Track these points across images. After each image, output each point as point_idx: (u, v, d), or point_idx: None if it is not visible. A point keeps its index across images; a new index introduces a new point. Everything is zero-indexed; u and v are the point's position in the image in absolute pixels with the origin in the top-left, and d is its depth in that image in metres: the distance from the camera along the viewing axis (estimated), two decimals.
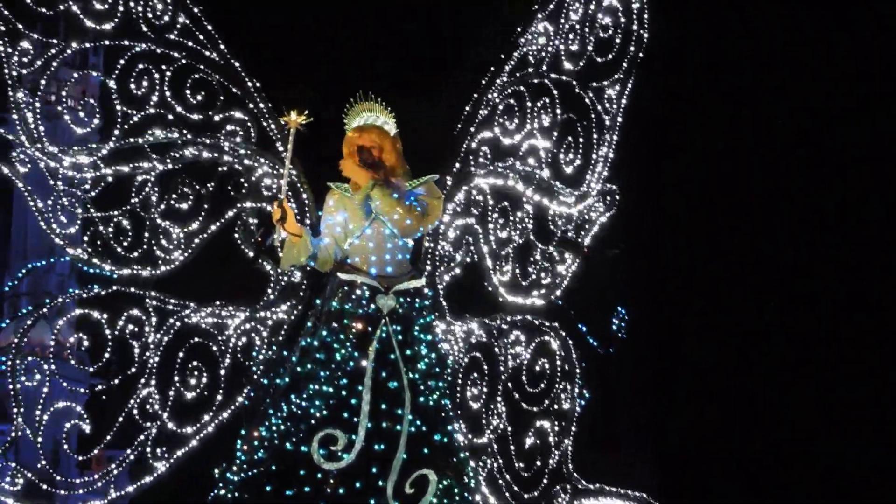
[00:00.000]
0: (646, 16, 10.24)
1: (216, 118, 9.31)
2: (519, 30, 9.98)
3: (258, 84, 9.29)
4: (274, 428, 8.43)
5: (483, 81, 9.84)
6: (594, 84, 10.26)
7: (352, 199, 8.67)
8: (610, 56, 10.29)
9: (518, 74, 10.00)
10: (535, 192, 9.97)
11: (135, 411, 9.33)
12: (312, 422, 8.38)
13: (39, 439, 9.24)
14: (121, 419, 9.33)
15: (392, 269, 8.66)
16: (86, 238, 9.27)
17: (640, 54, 10.29)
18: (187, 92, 9.24)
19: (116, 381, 9.36)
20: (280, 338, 9.36)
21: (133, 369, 9.34)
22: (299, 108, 8.39)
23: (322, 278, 8.81)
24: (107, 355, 9.34)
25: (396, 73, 9.55)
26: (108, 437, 9.35)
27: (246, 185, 9.35)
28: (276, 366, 8.81)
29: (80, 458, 9.47)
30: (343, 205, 8.72)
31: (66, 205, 9.27)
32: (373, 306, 8.56)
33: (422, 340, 8.63)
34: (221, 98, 9.28)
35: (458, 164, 9.69)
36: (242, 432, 8.78)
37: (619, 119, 10.25)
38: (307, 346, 8.60)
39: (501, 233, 9.94)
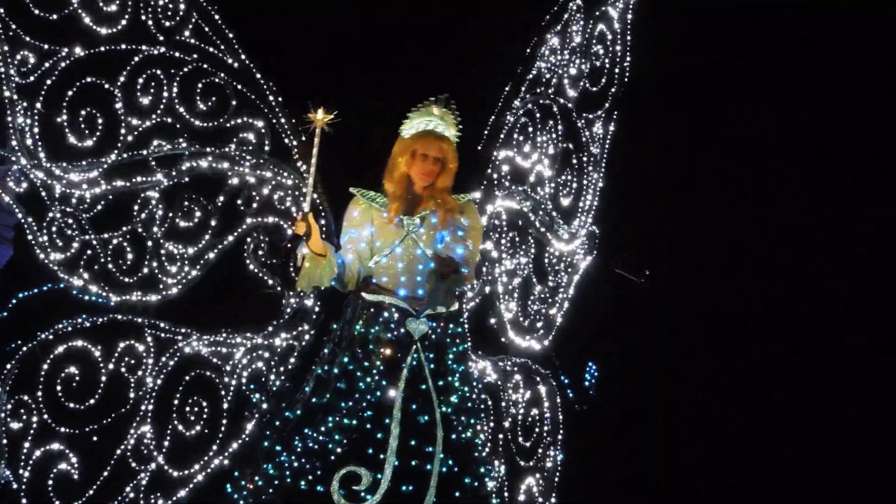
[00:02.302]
0: (628, 51, 8.85)
1: (228, 125, 7.84)
2: (534, 41, 8.56)
3: (273, 86, 7.83)
4: (286, 465, 6.90)
5: (504, 93, 8.44)
6: (586, 115, 8.85)
7: (380, 210, 7.21)
8: (598, 88, 8.90)
9: (533, 92, 8.58)
10: (541, 224, 8.49)
11: (128, 454, 7.79)
12: (332, 458, 6.92)
13: (23, 486, 7.71)
14: (113, 462, 7.78)
15: (423, 292, 7.17)
16: (83, 263, 7.77)
17: (622, 90, 8.86)
18: (197, 98, 7.80)
19: (109, 420, 7.80)
20: (290, 366, 7.78)
21: (128, 406, 7.80)
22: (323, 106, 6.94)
23: (339, 300, 7.32)
24: (100, 391, 7.78)
25: (410, 79, 7.89)
26: (98, 483, 7.77)
27: (257, 198, 7.85)
28: (287, 397, 7.30)
29: None
30: (370, 217, 7.28)
31: (62, 227, 7.78)
32: (403, 330, 7.10)
33: (455, 371, 7.18)
34: (234, 103, 7.81)
35: (485, 181, 8.26)
36: (236, 474, 7.34)
37: (605, 157, 8.86)
38: (324, 374, 7.14)
39: (510, 264, 8.45)
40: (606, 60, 8.97)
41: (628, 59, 8.96)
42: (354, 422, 6.91)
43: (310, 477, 6.84)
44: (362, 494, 6.81)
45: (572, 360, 8.39)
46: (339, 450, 6.86)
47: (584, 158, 8.91)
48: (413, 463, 6.89)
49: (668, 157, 9.44)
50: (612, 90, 9.00)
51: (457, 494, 6.99)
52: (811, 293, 9.04)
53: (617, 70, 8.97)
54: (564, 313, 8.79)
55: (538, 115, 8.71)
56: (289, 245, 6.92)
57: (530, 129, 8.65)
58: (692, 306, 9.03)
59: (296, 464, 6.91)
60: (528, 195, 8.61)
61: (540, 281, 8.73)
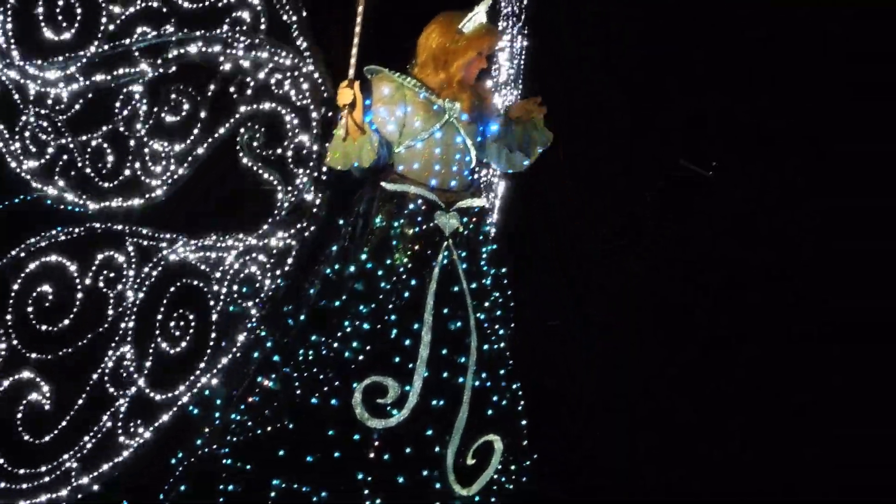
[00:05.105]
0: None
1: (219, 5, 6.16)
2: None
3: None
4: (291, 378, 5.27)
5: None
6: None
7: (413, 90, 5.55)
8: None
9: None
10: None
11: (106, 378, 6.14)
12: (352, 367, 5.28)
13: None
14: (88, 389, 6.15)
15: (456, 184, 5.59)
16: (58, 169, 6.20)
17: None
18: None
19: (85, 342, 6.17)
20: (288, 268, 6.01)
21: (106, 325, 6.18)
22: None
23: (346, 192, 5.71)
24: (76, 310, 6.18)
25: None
26: (72, 413, 6.15)
27: (252, 84, 6.12)
28: (286, 302, 5.65)
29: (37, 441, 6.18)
30: (403, 96, 5.56)
31: (36, 131, 6.20)
32: (431, 224, 5.47)
33: (488, 273, 5.62)
34: None
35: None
36: (206, 393, 5.86)
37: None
38: (334, 275, 5.48)
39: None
40: None
41: None
42: (378, 327, 5.32)
43: (325, 389, 5.25)
44: (388, 409, 5.23)
45: None
46: (360, 358, 5.27)
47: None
48: (444, 375, 5.35)
49: (607, 143, 8.13)
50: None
51: (489, 413, 5.49)
52: (758, 283, 7.94)
53: None
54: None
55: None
56: (343, 114, 5.31)
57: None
58: (638, 297, 7.87)
59: (305, 374, 5.30)
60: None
61: None
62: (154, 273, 6.15)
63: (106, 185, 6.20)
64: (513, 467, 5.61)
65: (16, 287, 6.19)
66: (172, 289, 6.15)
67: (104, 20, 6.11)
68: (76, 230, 6.22)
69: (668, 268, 7.88)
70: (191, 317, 6.11)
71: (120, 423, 6.11)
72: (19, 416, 6.15)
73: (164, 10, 6.11)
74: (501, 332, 5.59)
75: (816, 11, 7.45)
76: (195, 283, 6.14)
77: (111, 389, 6.15)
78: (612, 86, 7.86)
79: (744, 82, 7.83)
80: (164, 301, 6.14)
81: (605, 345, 7.69)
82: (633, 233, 7.71)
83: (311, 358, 5.31)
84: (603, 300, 7.80)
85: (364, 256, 5.38)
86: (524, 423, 5.65)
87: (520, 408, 5.63)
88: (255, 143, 6.13)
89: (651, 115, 7.87)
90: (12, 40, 6.14)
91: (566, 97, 6.91)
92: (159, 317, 6.14)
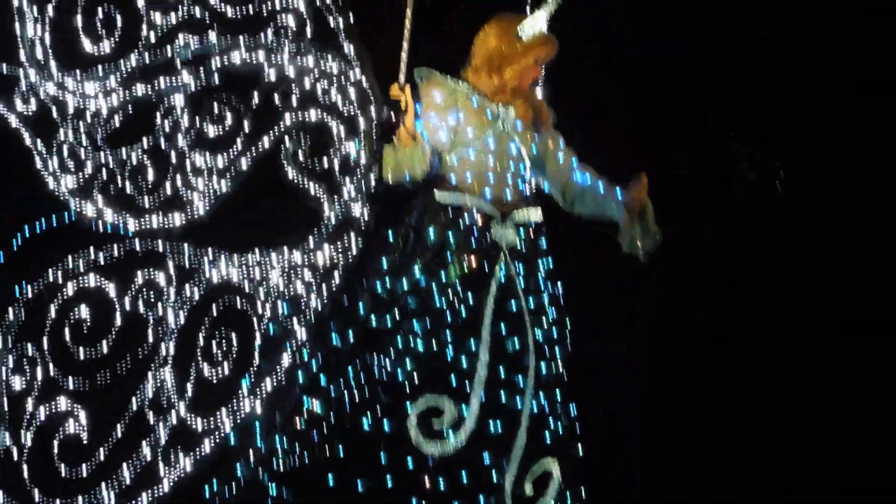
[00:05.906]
0: None
1: (263, 10, 5.87)
2: None
3: None
4: (339, 400, 4.98)
5: None
6: None
7: (466, 96, 5.28)
8: None
9: None
10: None
11: (146, 405, 5.84)
12: (405, 389, 4.95)
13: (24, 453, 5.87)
14: (127, 417, 5.85)
15: (511, 195, 5.27)
16: (97, 186, 5.95)
17: None
18: None
19: (124, 367, 5.86)
20: (335, 285, 5.65)
21: (146, 350, 5.87)
22: None
23: (394, 203, 5.39)
24: (115, 334, 5.89)
25: None
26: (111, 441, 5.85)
27: (297, 93, 5.80)
28: (332, 320, 5.32)
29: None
30: (454, 102, 5.26)
31: (74, 147, 5.97)
32: (488, 238, 5.14)
33: (546, 290, 5.34)
34: None
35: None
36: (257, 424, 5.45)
37: None
38: (384, 291, 5.16)
39: None
40: None
41: None
42: (432, 346, 5.01)
43: (377, 411, 4.90)
44: (444, 432, 4.96)
45: None
46: (414, 378, 5.01)
47: None
48: (502, 398, 5.05)
49: (606, 142, 7.99)
50: None
51: (547, 438, 5.19)
52: (759, 282, 7.78)
53: None
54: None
55: None
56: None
57: None
58: (639, 296, 7.68)
59: (356, 396, 4.96)
60: None
61: None
62: (196, 292, 5.89)
63: (146, 201, 5.95)
64: (567, 493, 5.30)
65: (53, 310, 5.94)
66: (215, 310, 5.86)
67: (145, 30, 5.88)
68: (115, 250, 5.96)
69: (668, 266, 7.76)
70: (233, 338, 5.83)
71: (160, 452, 5.84)
72: (55, 445, 5.86)
73: (207, 17, 5.86)
74: (558, 351, 5.28)
75: (817, 9, 7.33)
76: (238, 301, 5.85)
77: (151, 417, 5.85)
78: (613, 84, 7.63)
79: (745, 80, 7.66)
80: (206, 322, 5.85)
81: (603, 342, 7.47)
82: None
83: (363, 379, 5.03)
84: (601, 297, 7.57)
85: (416, 272, 5.10)
86: (580, 446, 5.34)
87: (577, 433, 5.33)
88: (300, 155, 5.85)
89: (652, 112, 7.68)
90: (50, 52, 5.92)
91: (566, 95, 6.69)
92: (201, 338, 5.85)
